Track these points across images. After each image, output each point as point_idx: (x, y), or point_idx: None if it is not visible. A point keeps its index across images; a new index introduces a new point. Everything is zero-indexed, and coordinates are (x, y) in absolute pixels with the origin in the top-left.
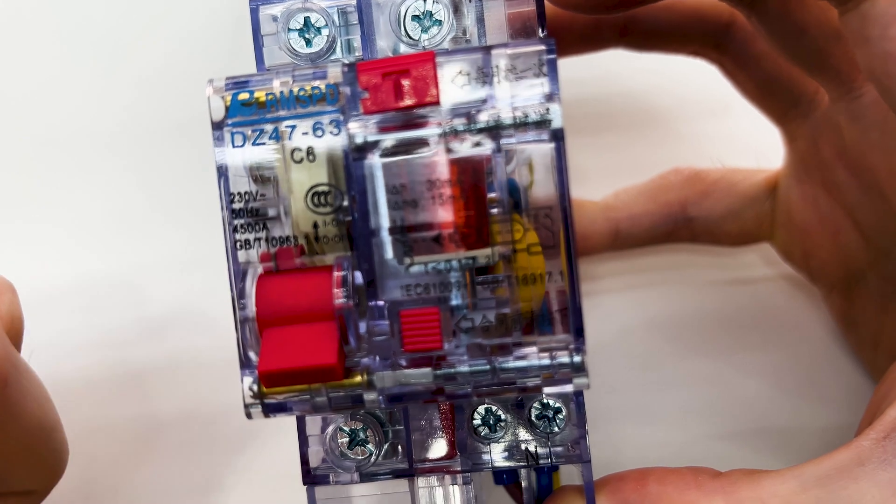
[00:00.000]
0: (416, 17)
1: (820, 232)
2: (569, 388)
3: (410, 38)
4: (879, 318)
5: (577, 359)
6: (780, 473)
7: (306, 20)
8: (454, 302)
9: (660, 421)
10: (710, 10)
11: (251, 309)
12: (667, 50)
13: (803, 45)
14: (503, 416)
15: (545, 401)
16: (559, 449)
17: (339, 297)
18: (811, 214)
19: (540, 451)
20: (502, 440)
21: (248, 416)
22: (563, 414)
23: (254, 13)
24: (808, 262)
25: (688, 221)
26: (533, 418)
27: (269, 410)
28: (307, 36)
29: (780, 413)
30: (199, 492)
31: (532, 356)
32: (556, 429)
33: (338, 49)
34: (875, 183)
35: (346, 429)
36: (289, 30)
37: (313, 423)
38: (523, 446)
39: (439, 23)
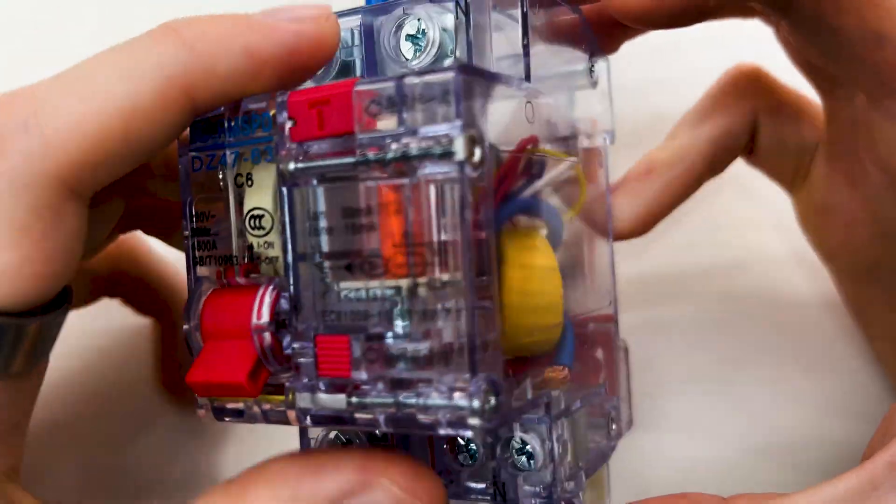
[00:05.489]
0: (410, 37)
1: (833, 217)
2: (466, 432)
3: (404, 57)
4: (888, 314)
5: (475, 403)
6: (790, 499)
7: None
8: (371, 331)
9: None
10: None
11: (196, 321)
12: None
13: (839, 50)
14: (478, 447)
15: (521, 438)
16: (531, 488)
17: (255, 318)
18: (830, 198)
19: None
20: (479, 469)
21: (200, 416)
22: (537, 455)
23: None
24: (819, 240)
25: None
26: (512, 453)
27: (218, 415)
28: None
29: (798, 427)
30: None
31: (433, 394)
32: (531, 468)
33: (357, 69)
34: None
35: (343, 437)
36: None
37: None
38: (496, 479)
39: (432, 43)
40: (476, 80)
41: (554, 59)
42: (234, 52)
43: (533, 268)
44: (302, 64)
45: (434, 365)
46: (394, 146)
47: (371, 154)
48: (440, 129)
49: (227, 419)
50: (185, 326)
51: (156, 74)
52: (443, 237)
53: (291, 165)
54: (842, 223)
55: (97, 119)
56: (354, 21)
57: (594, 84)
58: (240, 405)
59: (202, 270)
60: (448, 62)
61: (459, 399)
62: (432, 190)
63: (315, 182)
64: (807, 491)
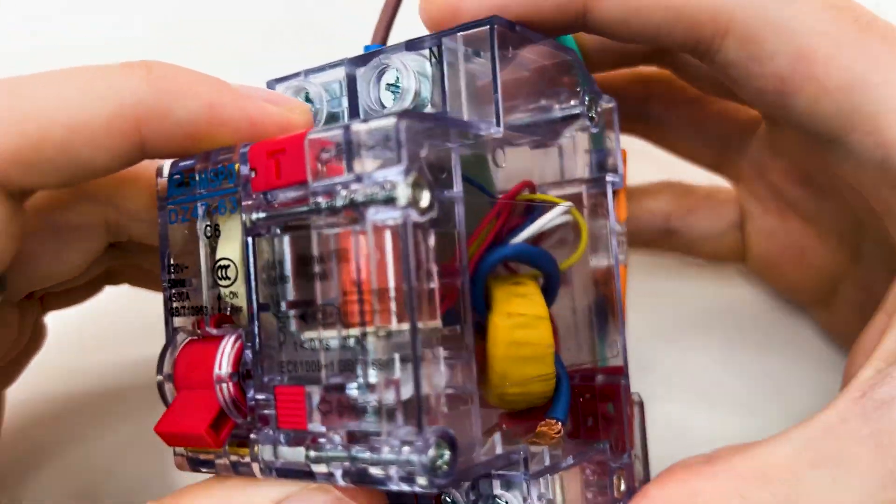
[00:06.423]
0: (389, 86)
1: (784, 261)
2: (415, 488)
3: (383, 106)
4: (861, 328)
5: (423, 458)
6: (769, 443)
7: (306, 94)
8: (326, 382)
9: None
10: (623, 90)
11: (169, 372)
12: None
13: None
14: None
15: (499, 495)
16: None
17: (217, 369)
18: (772, 247)
19: None
20: None
21: (177, 465)
22: None
23: (269, 86)
24: (780, 285)
25: (669, 233)
26: None
27: (193, 465)
28: None
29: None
30: None
31: (385, 448)
32: None
33: (345, 119)
34: (830, 186)
35: None
36: None
37: None
38: None
39: (407, 91)
40: (420, 125)
41: (546, 103)
42: (196, 101)
43: (521, 317)
44: (261, 137)
45: (385, 418)
46: (343, 193)
47: (323, 201)
48: (386, 174)
49: (202, 469)
50: (158, 377)
51: (110, 98)
52: (389, 285)
53: (253, 215)
54: (793, 260)
55: (40, 124)
56: (340, 73)
57: (596, 127)
58: (210, 456)
59: (178, 321)
60: (428, 109)
61: (408, 454)
62: (383, 236)
63: (279, 231)
64: (784, 434)
